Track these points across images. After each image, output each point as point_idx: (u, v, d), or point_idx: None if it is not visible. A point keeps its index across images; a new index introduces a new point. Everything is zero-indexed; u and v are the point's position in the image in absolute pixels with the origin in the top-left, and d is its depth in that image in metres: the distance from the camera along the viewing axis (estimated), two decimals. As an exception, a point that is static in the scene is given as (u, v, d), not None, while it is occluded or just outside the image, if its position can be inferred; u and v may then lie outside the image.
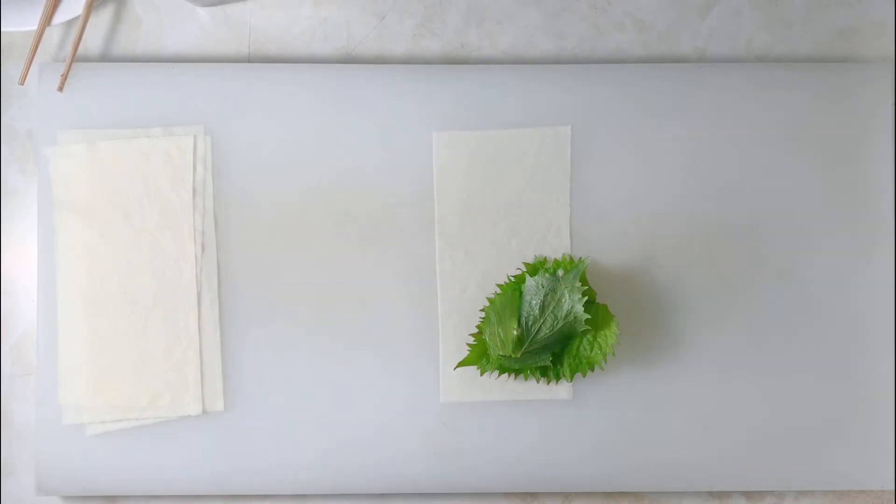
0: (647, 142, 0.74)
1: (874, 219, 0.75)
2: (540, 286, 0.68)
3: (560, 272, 0.68)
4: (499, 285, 0.71)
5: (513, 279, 0.71)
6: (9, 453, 0.75)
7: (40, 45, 0.75)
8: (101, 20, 0.76)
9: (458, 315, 0.73)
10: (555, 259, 0.72)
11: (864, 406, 0.74)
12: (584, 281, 0.69)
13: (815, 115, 0.75)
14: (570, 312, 0.68)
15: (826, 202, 0.75)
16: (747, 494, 0.75)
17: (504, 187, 0.74)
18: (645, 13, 0.77)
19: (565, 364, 0.69)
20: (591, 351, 0.69)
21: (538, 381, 0.72)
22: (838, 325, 0.74)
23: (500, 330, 0.69)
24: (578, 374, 0.70)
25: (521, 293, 0.70)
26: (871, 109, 0.75)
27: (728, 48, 0.77)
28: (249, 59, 0.77)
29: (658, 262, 0.74)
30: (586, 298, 0.68)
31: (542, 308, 0.68)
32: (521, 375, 0.71)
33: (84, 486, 0.72)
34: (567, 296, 0.68)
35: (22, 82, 0.74)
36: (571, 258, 0.72)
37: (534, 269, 0.71)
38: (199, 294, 0.73)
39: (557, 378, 0.70)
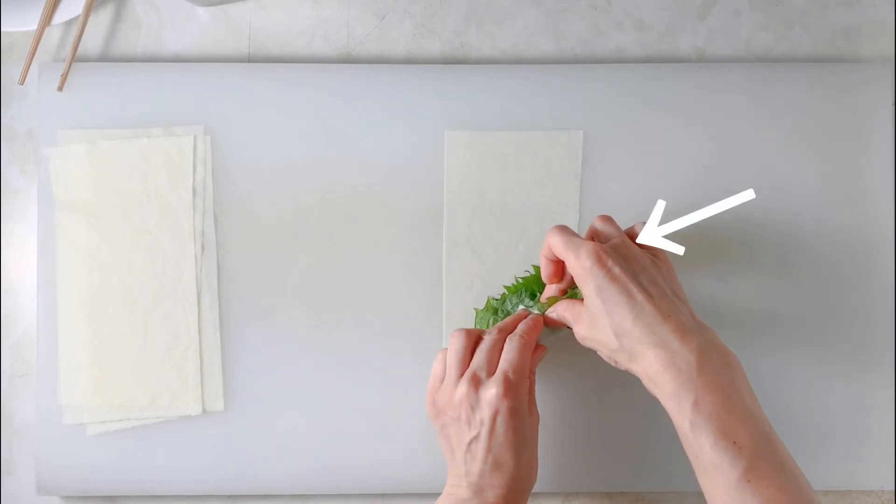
0: (648, 142, 0.74)
1: (874, 219, 0.75)
2: None
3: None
4: (506, 286, 0.72)
5: (520, 280, 0.71)
6: (9, 453, 0.75)
7: (40, 45, 0.75)
8: (101, 20, 0.76)
9: (462, 315, 0.73)
10: None
11: (864, 406, 0.74)
12: None
13: (815, 115, 0.75)
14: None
15: (826, 202, 0.75)
16: (747, 494, 0.75)
17: (514, 189, 0.74)
18: (645, 13, 0.77)
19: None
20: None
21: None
22: (838, 325, 0.74)
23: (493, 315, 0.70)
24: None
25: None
26: (871, 109, 0.75)
27: (728, 48, 0.77)
28: (249, 59, 0.77)
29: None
30: None
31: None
32: None
33: (84, 486, 0.72)
34: None
35: (22, 82, 0.74)
36: None
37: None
38: (199, 294, 0.73)
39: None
